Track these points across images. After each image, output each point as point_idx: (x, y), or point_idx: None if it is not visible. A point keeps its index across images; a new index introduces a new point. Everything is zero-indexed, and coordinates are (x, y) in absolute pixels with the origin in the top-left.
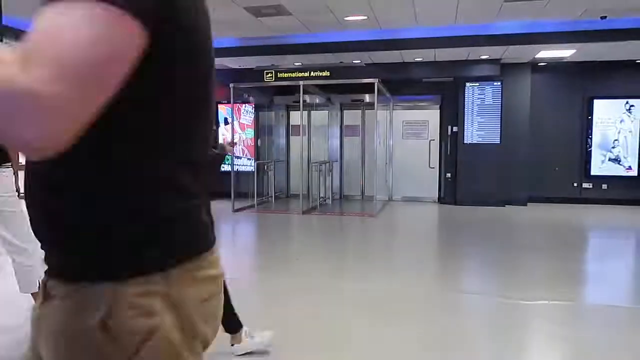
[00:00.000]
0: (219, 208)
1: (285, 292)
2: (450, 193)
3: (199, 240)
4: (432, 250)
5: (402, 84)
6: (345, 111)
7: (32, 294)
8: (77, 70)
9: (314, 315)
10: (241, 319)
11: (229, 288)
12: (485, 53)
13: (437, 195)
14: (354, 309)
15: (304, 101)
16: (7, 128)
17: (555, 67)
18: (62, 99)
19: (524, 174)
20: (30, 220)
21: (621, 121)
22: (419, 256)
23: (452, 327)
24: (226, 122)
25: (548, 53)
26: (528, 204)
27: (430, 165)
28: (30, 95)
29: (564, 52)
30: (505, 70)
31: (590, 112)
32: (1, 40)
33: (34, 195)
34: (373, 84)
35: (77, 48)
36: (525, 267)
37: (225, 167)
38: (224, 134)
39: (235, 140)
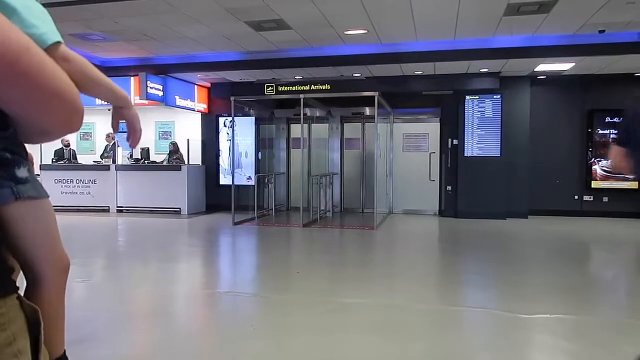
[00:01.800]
0: (219, 221)
1: (284, 306)
2: (451, 206)
3: None
4: (432, 264)
5: (402, 97)
6: (345, 124)
7: None
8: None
9: (314, 330)
10: (242, 329)
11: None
12: (484, 66)
13: (438, 208)
14: (354, 324)
15: (305, 114)
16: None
17: (555, 80)
18: None
19: (524, 186)
20: None
21: None
22: (420, 270)
23: (453, 342)
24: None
25: (547, 66)
26: (529, 216)
27: (431, 178)
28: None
29: (563, 66)
30: (504, 84)
31: (590, 124)
32: None
33: None
34: (373, 97)
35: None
36: (526, 280)
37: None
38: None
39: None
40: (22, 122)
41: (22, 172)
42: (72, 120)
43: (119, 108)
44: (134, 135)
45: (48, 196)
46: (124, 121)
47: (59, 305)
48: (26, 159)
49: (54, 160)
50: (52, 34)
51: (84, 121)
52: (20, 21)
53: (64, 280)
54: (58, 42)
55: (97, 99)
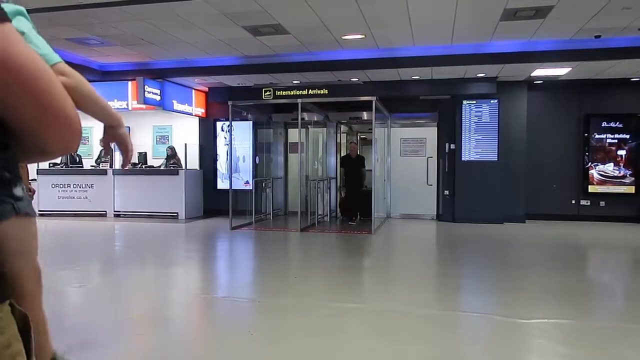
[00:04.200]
0: (217, 226)
1: (282, 311)
2: (449, 210)
3: None
4: (430, 268)
5: (399, 102)
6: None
7: None
8: None
9: (312, 335)
10: (240, 335)
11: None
12: (481, 71)
13: (435, 213)
14: (352, 329)
15: (302, 119)
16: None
17: (551, 85)
18: None
19: (521, 191)
20: None
21: None
22: (418, 274)
23: (451, 347)
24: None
25: (543, 71)
26: (526, 221)
27: (428, 183)
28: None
29: (560, 71)
30: (501, 88)
31: (586, 129)
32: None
33: None
34: (371, 101)
35: None
36: (524, 285)
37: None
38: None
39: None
40: (27, 141)
41: (18, 191)
42: (73, 142)
43: (110, 128)
44: (126, 155)
45: (36, 215)
46: (115, 142)
47: (42, 314)
48: (21, 178)
49: (62, 163)
50: (53, 55)
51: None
52: (28, 42)
53: (41, 289)
54: (60, 62)
55: None
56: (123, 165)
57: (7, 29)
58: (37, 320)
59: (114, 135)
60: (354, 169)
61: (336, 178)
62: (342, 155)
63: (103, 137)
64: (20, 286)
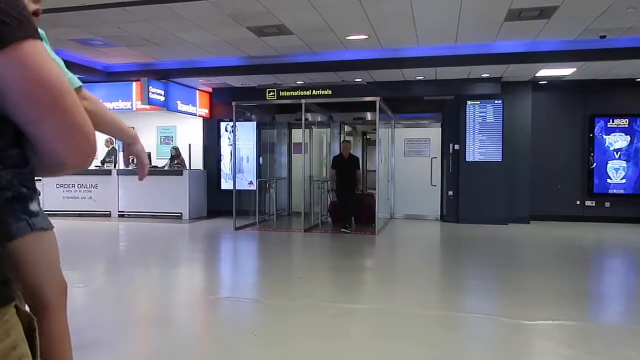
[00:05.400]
0: (220, 226)
1: (286, 311)
2: (453, 211)
3: None
4: (434, 269)
5: (403, 102)
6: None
7: None
8: None
9: (316, 335)
10: (243, 335)
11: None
12: (486, 72)
13: (439, 213)
14: (356, 330)
15: (306, 119)
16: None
17: (556, 85)
18: None
19: (526, 191)
20: None
21: None
22: (421, 275)
23: (455, 348)
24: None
25: (548, 72)
26: (531, 222)
27: (432, 183)
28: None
29: (565, 71)
30: (506, 89)
31: (591, 130)
32: None
33: None
34: (375, 102)
35: None
36: (528, 286)
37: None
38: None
39: None
40: (47, 155)
41: (34, 206)
42: (89, 158)
43: (128, 145)
44: (142, 169)
45: (53, 227)
46: (134, 156)
47: (64, 325)
48: (37, 192)
49: None
50: (74, 79)
51: None
52: None
53: (65, 301)
54: (80, 86)
55: None
56: (140, 178)
57: (41, 46)
58: (60, 331)
59: (131, 151)
60: (346, 171)
61: (327, 181)
62: (334, 155)
63: (123, 153)
64: (43, 299)
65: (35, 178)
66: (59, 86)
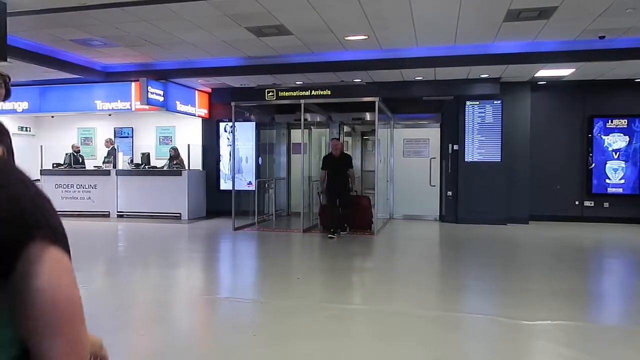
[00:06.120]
0: (219, 226)
1: (285, 312)
2: (452, 211)
3: None
4: (433, 270)
5: (402, 103)
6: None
7: None
8: None
9: (315, 336)
10: (243, 336)
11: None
12: (485, 72)
13: (438, 214)
14: (355, 330)
15: (305, 119)
16: None
17: (555, 85)
18: None
19: (525, 192)
20: None
21: None
22: (420, 276)
23: (454, 349)
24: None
25: (547, 72)
26: (529, 222)
27: (431, 184)
28: None
29: (563, 71)
30: (505, 89)
31: (590, 130)
32: (5, 60)
33: None
34: (374, 102)
35: None
36: (528, 286)
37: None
38: None
39: None
40: None
41: None
42: None
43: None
44: None
45: None
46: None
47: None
48: None
49: (65, 164)
50: None
51: (84, 126)
52: None
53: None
54: None
55: (97, 105)
56: None
57: (61, 258)
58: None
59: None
60: (338, 171)
61: (316, 181)
62: (325, 154)
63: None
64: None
65: (35, 178)
66: (73, 307)
